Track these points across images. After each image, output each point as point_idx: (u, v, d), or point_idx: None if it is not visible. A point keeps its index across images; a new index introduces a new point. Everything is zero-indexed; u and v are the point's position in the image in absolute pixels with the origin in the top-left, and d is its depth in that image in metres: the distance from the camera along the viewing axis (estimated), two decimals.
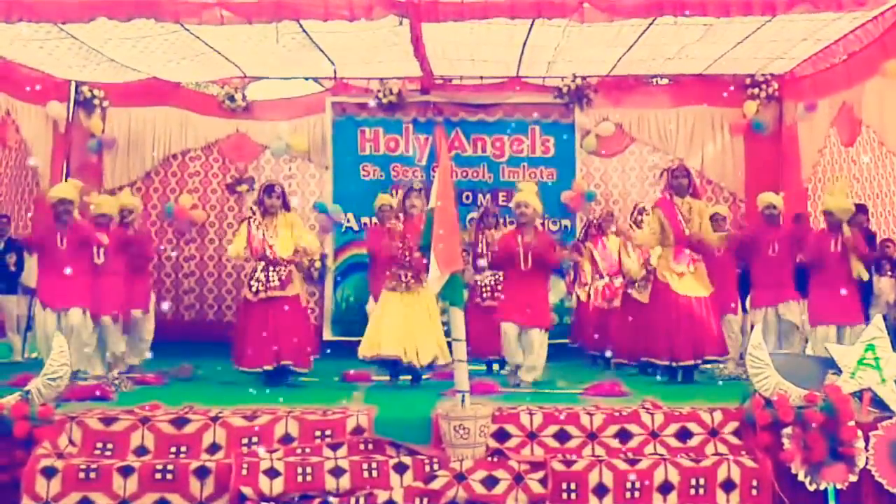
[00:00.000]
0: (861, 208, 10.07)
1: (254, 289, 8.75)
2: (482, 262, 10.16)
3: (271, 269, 8.75)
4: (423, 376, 8.94)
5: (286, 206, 8.98)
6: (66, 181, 9.68)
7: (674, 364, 8.77)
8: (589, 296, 11.01)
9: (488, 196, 12.83)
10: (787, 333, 9.29)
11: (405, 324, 8.63)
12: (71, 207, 8.79)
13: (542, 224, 12.33)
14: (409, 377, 8.90)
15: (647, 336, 8.98)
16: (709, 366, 9.15)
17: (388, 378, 8.93)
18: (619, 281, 10.55)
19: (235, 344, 8.95)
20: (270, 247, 8.78)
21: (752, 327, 9.39)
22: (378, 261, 9.63)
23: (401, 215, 8.94)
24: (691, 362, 8.77)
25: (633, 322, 9.52)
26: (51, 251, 8.74)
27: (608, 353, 10.40)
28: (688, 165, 12.34)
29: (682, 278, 8.87)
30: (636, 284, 9.92)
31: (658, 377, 9.04)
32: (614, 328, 10.27)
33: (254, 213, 8.98)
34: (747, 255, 9.79)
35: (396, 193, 9.96)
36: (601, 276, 10.86)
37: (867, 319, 8.74)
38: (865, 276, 9.01)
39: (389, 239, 8.87)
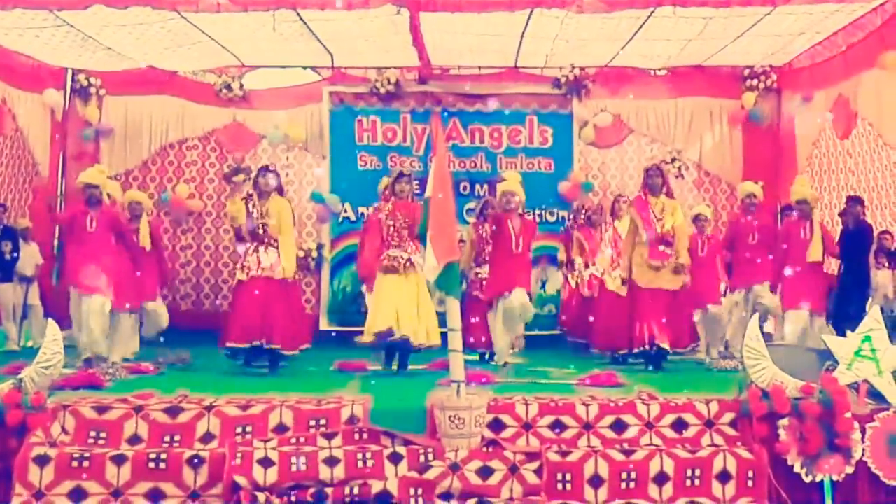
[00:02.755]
0: (857, 200, 10.07)
1: (246, 268, 8.78)
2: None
3: (262, 249, 8.76)
4: (417, 366, 8.97)
5: (280, 190, 9.04)
6: (93, 167, 9.72)
7: (646, 350, 9.13)
8: (577, 285, 11.18)
9: (486, 186, 12.76)
10: (763, 317, 9.55)
11: (398, 303, 8.77)
12: (98, 192, 8.96)
13: (540, 214, 12.46)
14: (396, 365, 9.01)
15: (622, 326, 9.30)
16: (679, 356, 9.46)
17: (382, 366, 9.03)
18: (601, 270, 10.73)
19: (225, 323, 9.02)
20: (264, 226, 8.80)
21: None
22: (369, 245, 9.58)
23: (391, 199, 9.10)
24: (661, 349, 9.10)
25: (610, 312, 9.76)
26: (80, 235, 8.89)
27: (588, 341, 10.65)
28: (685, 157, 12.59)
29: (656, 273, 9.21)
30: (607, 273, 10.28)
31: (636, 362, 9.31)
32: (594, 317, 10.48)
33: (250, 195, 8.97)
34: (729, 246, 10.31)
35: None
36: (587, 267, 11.02)
37: (834, 312, 8.99)
38: (819, 258, 9.30)
39: (378, 222, 9.05)
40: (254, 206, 8.87)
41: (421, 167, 12.40)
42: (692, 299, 9.69)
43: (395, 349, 8.95)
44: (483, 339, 9.90)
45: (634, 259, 9.34)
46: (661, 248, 9.20)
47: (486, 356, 9.97)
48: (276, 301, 8.73)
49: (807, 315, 9.17)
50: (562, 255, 11.79)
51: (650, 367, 9.12)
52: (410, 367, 9.01)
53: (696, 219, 10.39)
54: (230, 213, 9.06)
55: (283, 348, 8.73)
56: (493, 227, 9.56)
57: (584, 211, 11.61)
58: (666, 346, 9.08)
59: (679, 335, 9.25)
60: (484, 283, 10.03)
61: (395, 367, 9.01)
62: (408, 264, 8.86)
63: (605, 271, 10.41)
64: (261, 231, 8.83)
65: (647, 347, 9.09)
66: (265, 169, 9.10)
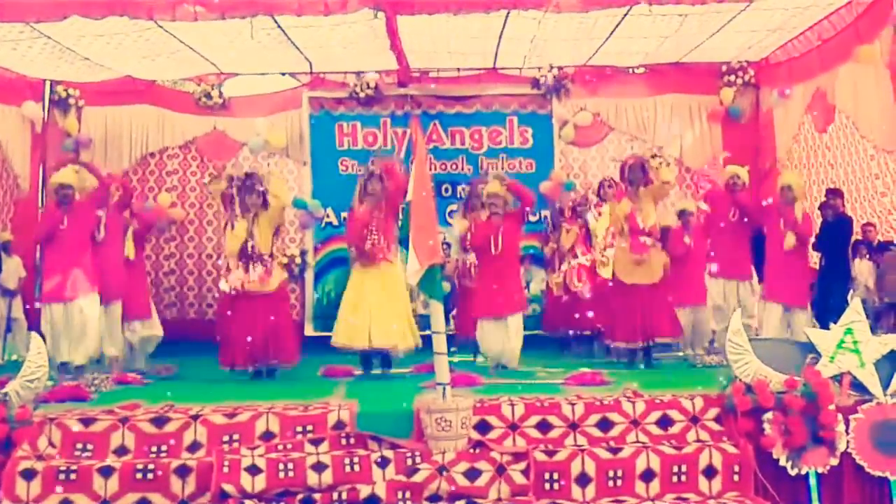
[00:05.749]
0: (836, 193, 10.11)
1: (232, 285, 8.71)
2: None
3: (250, 265, 8.72)
4: (402, 370, 8.97)
5: (265, 205, 8.92)
6: (66, 167, 9.57)
7: (633, 347, 9.15)
8: (564, 276, 11.07)
9: (467, 188, 12.74)
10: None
11: (374, 306, 8.62)
12: (71, 192, 8.85)
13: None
14: (380, 369, 8.95)
15: (607, 321, 9.39)
16: (664, 353, 9.59)
17: (362, 371, 8.99)
18: (588, 260, 10.77)
19: (220, 343, 8.97)
20: (252, 246, 8.76)
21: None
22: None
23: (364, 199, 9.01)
24: (646, 344, 9.16)
25: (598, 307, 9.86)
26: (56, 238, 8.76)
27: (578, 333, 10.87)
28: (666, 153, 12.57)
29: (637, 267, 9.15)
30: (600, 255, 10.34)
31: (625, 360, 9.31)
32: (583, 311, 10.53)
33: (235, 216, 8.89)
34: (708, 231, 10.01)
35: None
36: (575, 257, 10.99)
37: (816, 305, 8.95)
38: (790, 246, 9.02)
39: (354, 221, 8.95)
40: (238, 224, 8.80)
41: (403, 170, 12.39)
42: (673, 291, 9.54)
43: (369, 355, 8.86)
44: (467, 327, 9.85)
45: (616, 254, 9.35)
46: (643, 239, 9.17)
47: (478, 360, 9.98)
48: (268, 317, 8.67)
49: (781, 308, 9.02)
50: (548, 251, 11.71)
51: (641, 365, 9.11)
52: (395, 370, 8.98)
53: (681, 214, 10.23)
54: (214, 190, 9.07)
55: (280, 363, 8.73)
56: (474, 231, 9.49)
57: (569, 204, 11.57)
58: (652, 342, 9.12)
59: (663, 327, 9.17)
60: (472, 269, 10.06)
61: (379, 371, 8.94)
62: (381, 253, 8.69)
63: (598, 257, 10.42)
64: (249, 250, 8.79)
65: (636, 346, 9.11)
66: (251, 188, 8.94)
